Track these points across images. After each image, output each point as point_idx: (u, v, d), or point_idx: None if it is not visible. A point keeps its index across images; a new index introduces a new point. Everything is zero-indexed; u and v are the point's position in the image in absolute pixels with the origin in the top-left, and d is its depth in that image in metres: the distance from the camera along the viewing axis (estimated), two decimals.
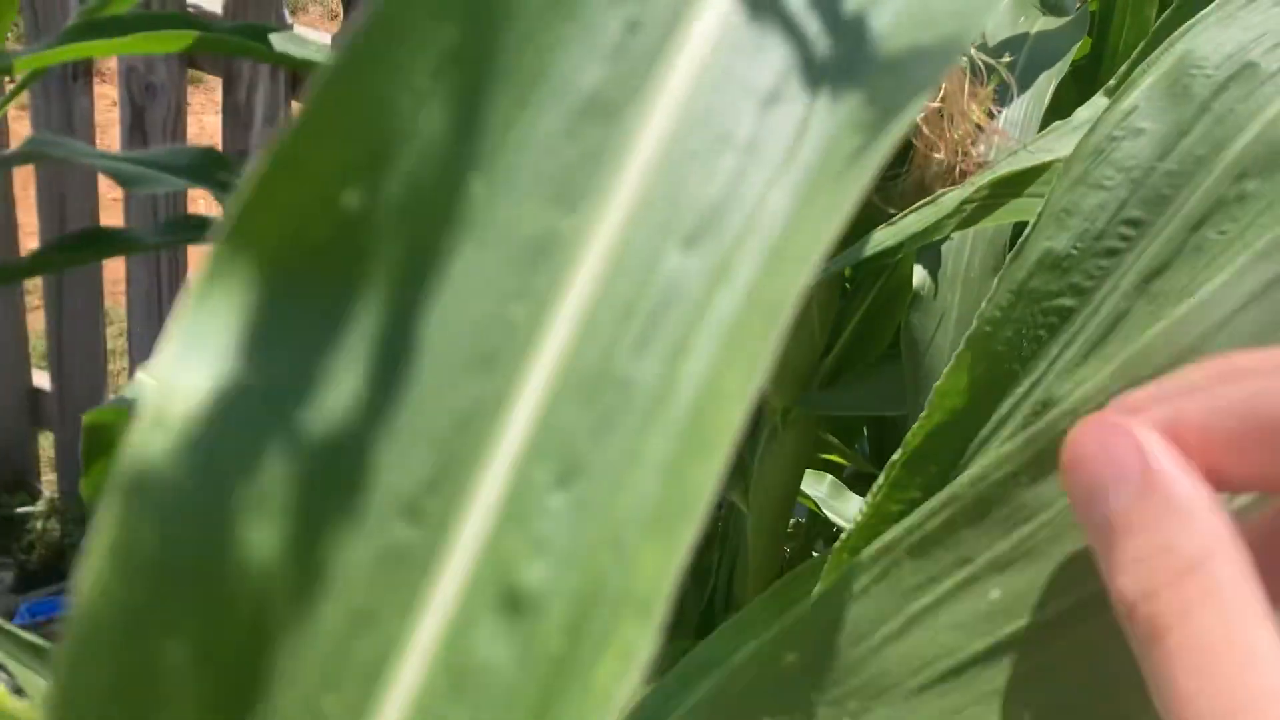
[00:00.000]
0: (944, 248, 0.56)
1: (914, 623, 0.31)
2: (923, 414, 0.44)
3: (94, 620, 0.15)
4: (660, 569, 0.16)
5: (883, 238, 0.49)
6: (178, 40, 0.58)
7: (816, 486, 0.92)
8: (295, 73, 1.50)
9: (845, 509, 0.94)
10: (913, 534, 0.32)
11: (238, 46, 0.62)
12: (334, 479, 0.17)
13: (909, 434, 0.45)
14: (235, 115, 1.55)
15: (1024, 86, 0.58)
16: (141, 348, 1.78)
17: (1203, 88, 0.39)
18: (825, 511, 0.94)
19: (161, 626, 0.15)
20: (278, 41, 0.62)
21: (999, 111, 0.54)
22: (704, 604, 0.90)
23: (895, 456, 0.45)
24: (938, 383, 0.43)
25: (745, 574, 0.84)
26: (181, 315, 0.16)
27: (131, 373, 1.82)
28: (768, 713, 0.33)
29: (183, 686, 0.15)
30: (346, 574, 0.16)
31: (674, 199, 0.18)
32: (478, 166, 0.18)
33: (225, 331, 0.16)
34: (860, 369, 0.67)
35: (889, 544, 0.32)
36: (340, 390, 0.17)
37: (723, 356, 0.17)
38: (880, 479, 0.46)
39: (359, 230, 0.17)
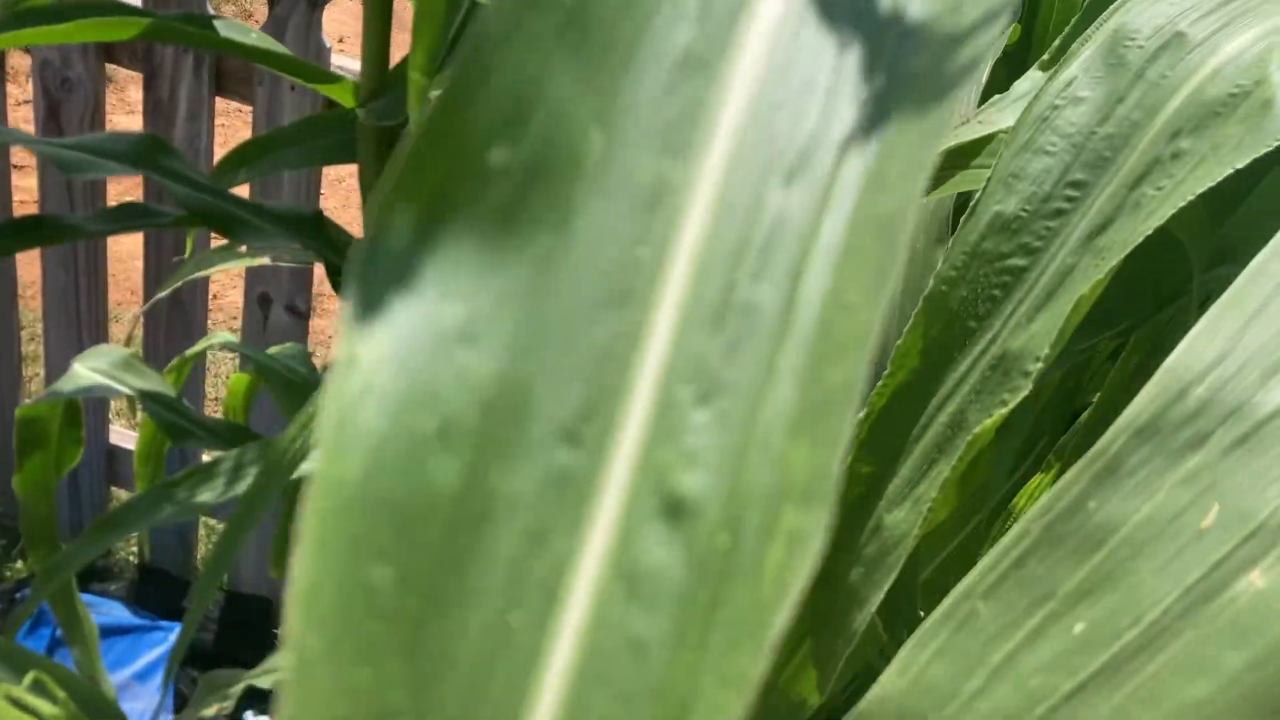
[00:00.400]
0: None
1: (1000, 673, 0.31)
2: (885, 373, 0.47)
3: (320, 545, 0.16)
4: (815, 461, 0.18)
5: None
6: (127, 27, 0.57)
7: None
8: (220, 67, 1.46)
9: None
10: (986, 576, 0.32)
11: (185, 34, 0.62)
12: (500, 413, 0.18)
13: (872, 394, 0.47)
14: (158, 111, 1.50)
15: None
16: (59, 348, 1.71)
17: (1136, 57, 0.42)
18: None
19: (372, 552, 0.16)
20: (223, 28, 0.62)
21: None
22: None
23: (860, 416, 0.48)
24: (898, 342, 0.46)
25: None
26: (355, 271, 0.18)
27: (49, 379, 1.75)
28: None
29: (390, 606, 0.17)
30: (518, 498, 0.18)
31: (770, 141, 0.20)
32: (597, 122, 0.20)
33: (398, 282, 0.18)
34: None
35: (962, 593, 0.33)
36: (499, 331, 0.18)
37: (840, 273, 0.19)
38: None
39: (504, 185, 0.19)
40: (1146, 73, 0.42)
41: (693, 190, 0.20)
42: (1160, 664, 0.29)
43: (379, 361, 0.17)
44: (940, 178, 0.49)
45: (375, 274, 0.18)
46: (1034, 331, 0.44)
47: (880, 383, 0.47)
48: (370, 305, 0.17)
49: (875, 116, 0.20)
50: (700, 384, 0.19)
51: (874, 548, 0.50)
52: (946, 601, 0.33)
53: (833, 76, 0.21)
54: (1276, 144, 0.39)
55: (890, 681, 0.33)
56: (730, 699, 0.16)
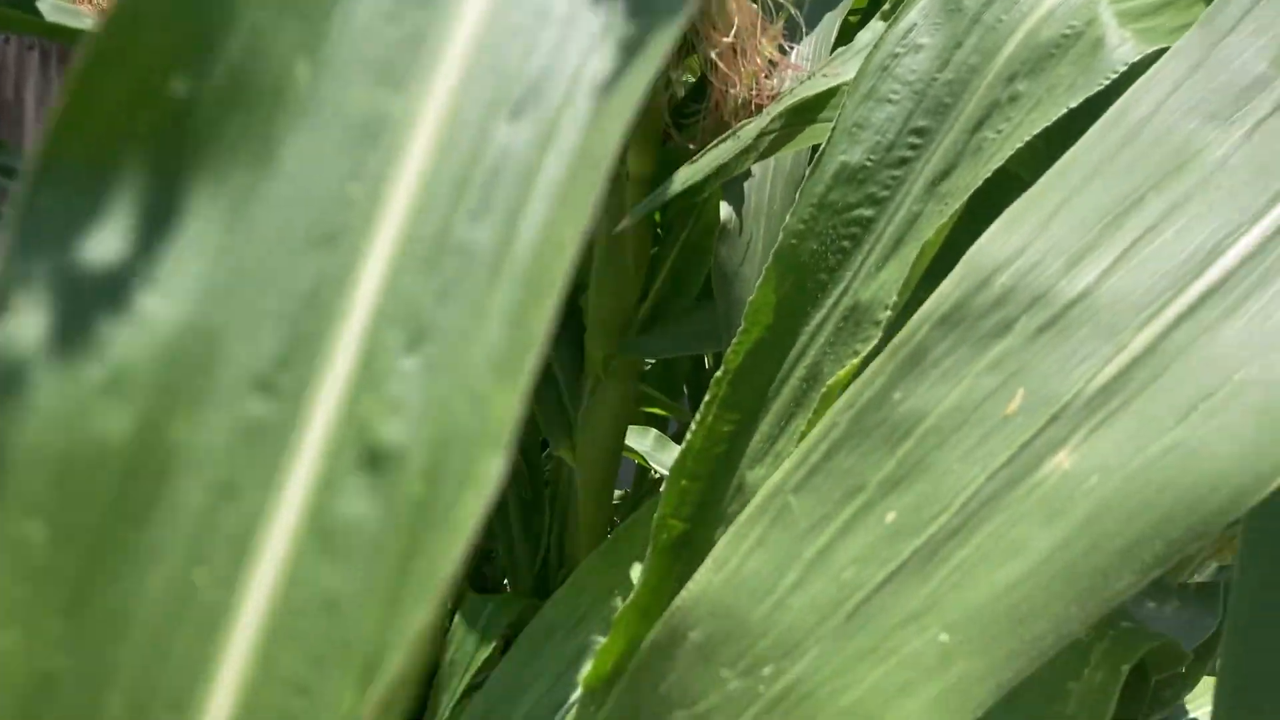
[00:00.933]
0: (746, 185, 0.59)
1: (814, 566, 0.30)
2: (740, 330, 0.46)
3: None
4: (508, 405, 0.17)
5: (689, 174, 0.51)
6: None
7: (642, 440, 0.94)
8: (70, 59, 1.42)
9: (671, 461, 0.96)
10: (797, 471, 0.32)
11: (8, 21, 0.59)
12: (182, 361, 0.17)
13: (729, 352, 0.46)
14: (2, 113, 1.45)
15: (810, 27, 0.61)
16: None
17: (973, 2, 0.42)
18: (652, 464, 0.96)
19: (17, 508, 0.15)
20: (49, 11, 0.59)
21: (791, 49, 0.56)
22: (538, 564, 0.91)
23: (719, 374, 0.47)
24: (750, 298, 0.45)
25: (577, 531, 0.85)
26: (15, 208, 0.16)
27: None
28: (679, 705, 0.31)
29: (43, 564, 0.15)
30: (203, 450, 0.17)
31: (499, 73, 0.19)
32: (303, 51, 0.18)
33: (63, 226, 0.16)
34: (678, 312, 0.68)
35: (775, 488, 0.32)
36: (185, 275, 0.17)
37: (555, 212, 0.18)
38: (707, 398, 0.48)
39: (189, 117, 0.17)
40: (983, 17, 0.42)
41: (414, 124, 0.19)
42: (971, 549, 0.29)
43: (34, 307, 0.16)
44: (788, 133, 0.49)
45: (38, 211, 0.16)
46: (883, 280, 0.44)
47: (735, 340, 0.47)
48: (30, 247, 0.16)
49: (607, 47, 0.19)
50: (410, 328, 0.18)
51: (737, 506, 0.49)
52: (759, 496, 0.32)
53: (569, 4, 0.20)
54: (1107, 82, 0.38)
55: (706, 578, 0.32)
56: (410, 650, 0.16)
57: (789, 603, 0.30)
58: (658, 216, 0.64)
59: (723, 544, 0.32)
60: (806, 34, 0.56)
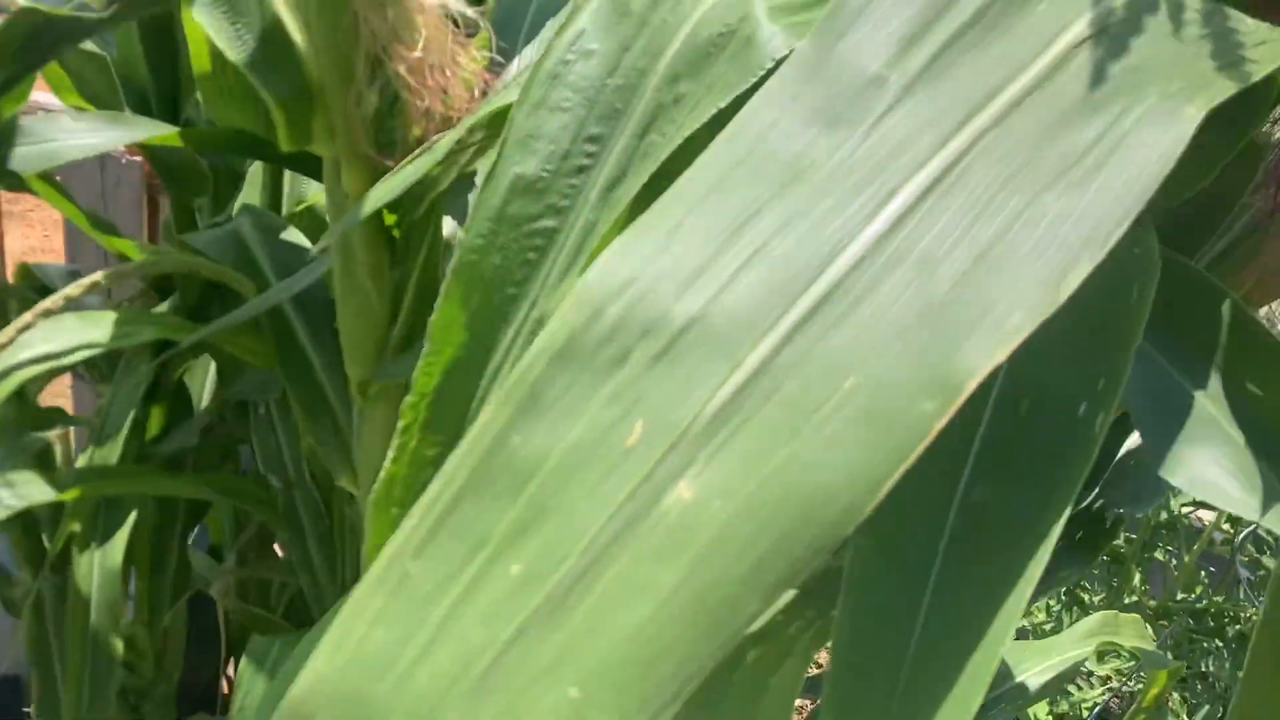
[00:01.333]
0: (471, 196, 0.57)
1: (440, 632, 0.29)
2: (428, 351, 0.44)
3: None
4: None
5: (383, 191, 0.49)
6: None
7: None
8: None
9: None
10: (416, 531, 0.30)
11: None
12: None
13: (419, 374, 0.44)
14: None
15: (531, 37, 0.59)
16: None
17: (640, 4, 0.41)
18: None
19: None
20: None
21: (504, 61, 0.54)
22: (339, 595, 0.88)
23: (411, 398, 0.45)
24: (432, 318, 0.43)
25: (369, 562, 0.82)
26: None
27: None
28: None
29: None
30: None
31: None
32: None
33: None
34: None
35: (393, 553, 0.30)
36: None
37: None
38: (403, 423, 0.46)
39: None
40: (650, 19, 0.41)
41: None
42: (599, 593, 0.28)
43: None
44: (487, 145, 0.47)
45: None
46: (565, 291, 0.43)
47: (425, 361, 0.45)
48: None
49: None
50: None
51: None
52: (377, 565, 0.30)
53: None
54: (758, 78, 0.38)
55: (322, 662, 0.30)
56: None
57: (415, 674, 0.29)
58: (396, 234, 0.62)
59: (338, 623, 0.29)
60: (524, 47, 0.54)
